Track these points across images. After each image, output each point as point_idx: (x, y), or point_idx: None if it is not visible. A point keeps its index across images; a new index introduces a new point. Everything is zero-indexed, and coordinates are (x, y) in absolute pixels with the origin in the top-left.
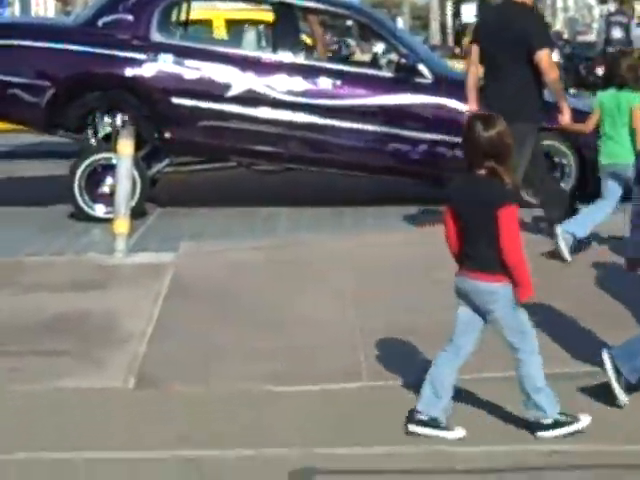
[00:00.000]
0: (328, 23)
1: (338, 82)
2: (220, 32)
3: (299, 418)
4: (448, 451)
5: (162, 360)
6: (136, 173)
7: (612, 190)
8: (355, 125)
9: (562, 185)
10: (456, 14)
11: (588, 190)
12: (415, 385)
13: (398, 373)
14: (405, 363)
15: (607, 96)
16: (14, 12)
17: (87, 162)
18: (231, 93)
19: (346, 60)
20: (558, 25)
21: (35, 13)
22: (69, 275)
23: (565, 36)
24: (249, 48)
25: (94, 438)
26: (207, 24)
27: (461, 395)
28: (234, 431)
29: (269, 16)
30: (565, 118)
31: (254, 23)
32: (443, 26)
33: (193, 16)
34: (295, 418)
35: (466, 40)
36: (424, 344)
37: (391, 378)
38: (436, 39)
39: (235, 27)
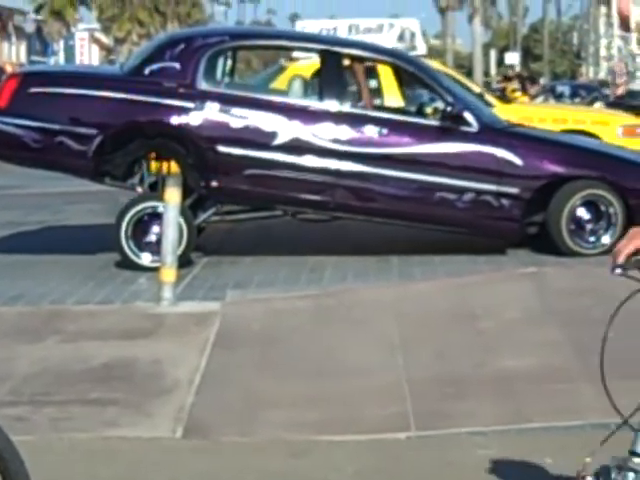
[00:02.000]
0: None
1: (384, 130)
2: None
3: (347, 468)
4: None
5: (209, 409)
6: (183, 222)
7: None
8: (401, 174)
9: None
10: (500, 62)
11: None
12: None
13: (445, 422)
14: (451, 412)
15: None
16: (58, 61)
17: (134, 210)
18: (277, 141)
19: (392, 109)
20: (602, 74)
21: (79, 61)
22: (116, 324)
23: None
24: (295, 96)
25: None
26: None
27: None
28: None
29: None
30: None
31: None
32: (486, 74)
33: None
34: (342, 468)
35: (509, 86)
36: (467, 393)
37: (439, 427)
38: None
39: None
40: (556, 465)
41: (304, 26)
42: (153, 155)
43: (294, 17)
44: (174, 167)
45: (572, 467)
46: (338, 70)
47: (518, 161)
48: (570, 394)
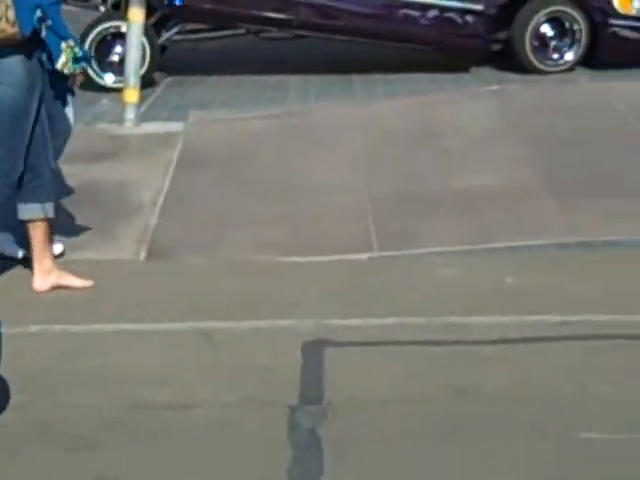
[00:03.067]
0: None
1: None
2: None
3: (311, 289)
4: (460, 322)
5: (173, 231)
6: (146, 41)
7: None
8: None
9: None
10: None
11: (598, 56)
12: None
13: (408, 242)
14: (414, 232)
15: None
16: None
17: (97, 30)
18: None
19: None
20: None
21: None
22: (79, 146)
23: None
24: None
25: (105, 310)
26: None
27: None
28: (246, 302)
29: None
30: None
31: None
32: None
33: None
34: (307, 289)
35: None
36: (430, 211)
37: (401, 248)
38: None
39: None
40: (516, 284)
41: None
42: None
43: None
44: None
45: (531, 286)
46: None
47: None
48: (534, 211)
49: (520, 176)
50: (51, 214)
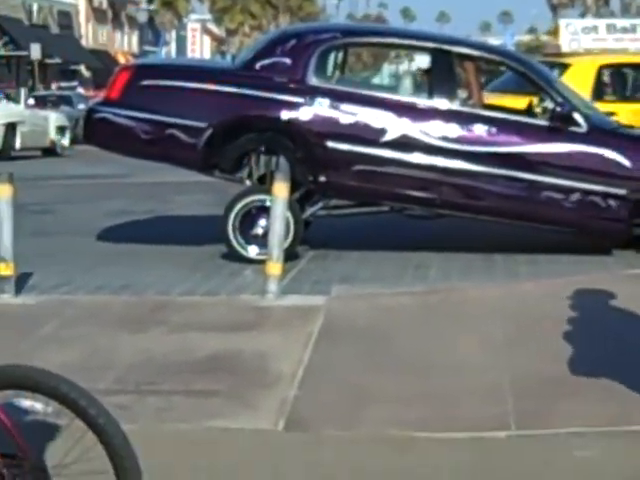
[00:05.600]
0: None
1: (493, 129)
2: None
3: (447, 465)
4: None
5: (312, 403)
6: (290, 215)
7: None
8: (508, 172)
9: None
10: None
11: None
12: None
13: (545, 422)
14: (552, 412)
15: None
16: (170, 51)
17: (242, 203)
18: (386, 138)
19: (501, 108)
20: None
21: (191, 52)
22: (221, 316)
23: None
24: (405, 93)
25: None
26: None
27: None
28: (382, 476)
29: None
30: None
31: None
32: None
33: None
34: (441, 465)
35: None
36: (569, 395)
37: (539, 427)
38: None
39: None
40: None
41: (568, 22)
42: (262, 149)
43: (405, 12)
44: (283, 162)
45: None
46: (449, 68)
47: (626, 162)
48: None
49: None
50: None
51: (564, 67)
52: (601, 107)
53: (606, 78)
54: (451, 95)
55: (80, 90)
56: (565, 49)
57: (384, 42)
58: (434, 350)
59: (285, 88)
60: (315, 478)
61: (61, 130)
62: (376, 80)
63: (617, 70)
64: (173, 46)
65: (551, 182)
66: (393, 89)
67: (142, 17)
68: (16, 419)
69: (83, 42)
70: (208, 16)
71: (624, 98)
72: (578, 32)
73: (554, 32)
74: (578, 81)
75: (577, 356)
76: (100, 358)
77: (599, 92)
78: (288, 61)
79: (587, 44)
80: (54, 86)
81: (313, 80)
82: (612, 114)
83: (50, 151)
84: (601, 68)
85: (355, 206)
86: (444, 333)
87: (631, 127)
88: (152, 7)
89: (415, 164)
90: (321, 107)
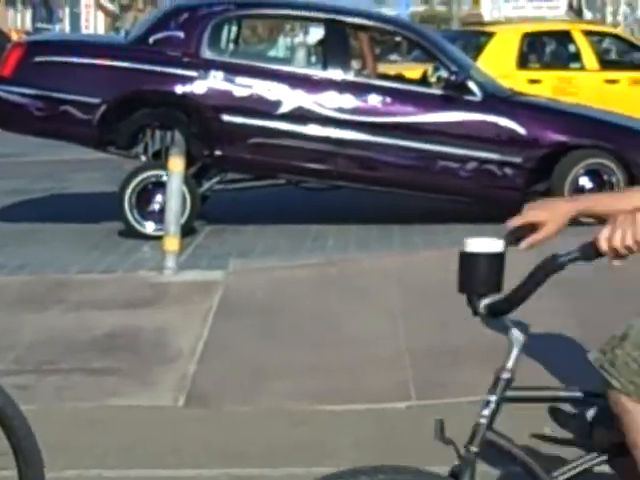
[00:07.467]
0: (377, 39)
1: (387, 99)
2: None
3: (348, 438)
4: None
5: (211, 379)
6: (186, 190)
7: None
8: (404, 142)
9: None
10: None
11: None
12: (458, 404)
13: (447, 392)
14: (453, 381)
15: None
16: (64, 28)
17: (137, 179)
18: (281, 110)
19: (395, 77)
20: None
21: (84, 28)
22: (119, 293)
23: None
24: (299, 65)
25: (142, 456)
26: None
27: None
28: (283, 450)
29: None
30: None
31: None
32: None
33: None
34: (344, 437)
35: None
36: (468, 364)
37: (440, 397)
38: None
39: None
40: (555, 434)
41: None
42: (157, 124)
43: None
44: (178, 136)
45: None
46: (342, 39)
47: (521, 130)
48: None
49: (558, 327)
50: None
51: (488, 36)
52: (526, 75)
53: (530, 46)
54: (345, 66)
55: None
56: (487, 18)
57: (278, 14)
58: (332, 322)
59: (179, 62)
60: (215, 453)
61: None
62: (271, 53)
63: (540, 38)
64: (67, 23)
65: (447, 151)
66: (287, 61)
67: None
68: None
69: None
70: None
71: (548, 66)
72: (499, 1)
73: (475, 2)
74: (502, 50)
75: (477, 325)
76: None
77: (524, 60)
78: (181, 34)
79: (507, 12)
80: None
81: (207, 53)
82: (537, 81)
83: None
84: (525, 36)
85: (252, 179)
86: (342, 305)
87: (525, 94)
88: None
89: (310, 136)
90: (215, 80)
